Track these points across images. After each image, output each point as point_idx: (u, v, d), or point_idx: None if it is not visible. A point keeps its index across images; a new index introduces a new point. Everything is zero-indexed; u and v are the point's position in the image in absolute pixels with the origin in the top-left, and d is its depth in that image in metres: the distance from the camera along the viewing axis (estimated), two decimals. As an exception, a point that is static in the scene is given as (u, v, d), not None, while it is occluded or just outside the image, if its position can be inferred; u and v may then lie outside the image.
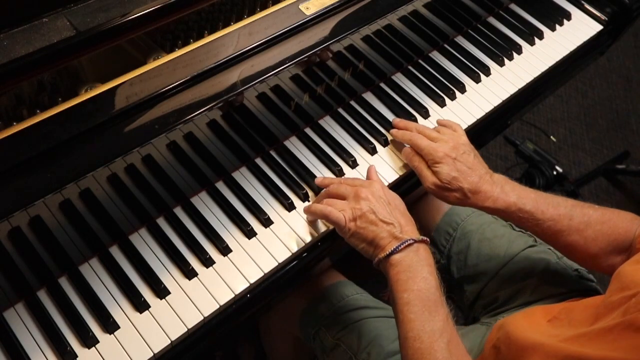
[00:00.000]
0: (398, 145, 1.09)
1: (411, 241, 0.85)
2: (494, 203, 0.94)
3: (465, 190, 0.95)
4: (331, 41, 0.95)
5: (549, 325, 0.88)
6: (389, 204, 0.90)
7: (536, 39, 1.33)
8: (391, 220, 0.87)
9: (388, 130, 1.10)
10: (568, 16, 1.39)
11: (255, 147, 1.02)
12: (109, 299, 0.85)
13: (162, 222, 0.93)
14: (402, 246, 0.84)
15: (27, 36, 0.76)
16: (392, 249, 0.84)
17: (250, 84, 0.88)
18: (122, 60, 0.87)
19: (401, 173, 1.06)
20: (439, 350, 0.77)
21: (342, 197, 0.92)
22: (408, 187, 1.07)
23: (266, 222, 0.96)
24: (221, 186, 0.98)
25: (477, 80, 1.23)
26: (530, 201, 0.94)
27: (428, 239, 0.87)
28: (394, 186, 1.05)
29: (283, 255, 0.93)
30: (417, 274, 0.83)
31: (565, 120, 2.46)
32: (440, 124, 1.08)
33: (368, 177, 1.00)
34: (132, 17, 0.81)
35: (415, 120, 1.12)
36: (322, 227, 0.96)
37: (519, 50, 1.30)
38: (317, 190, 1.01)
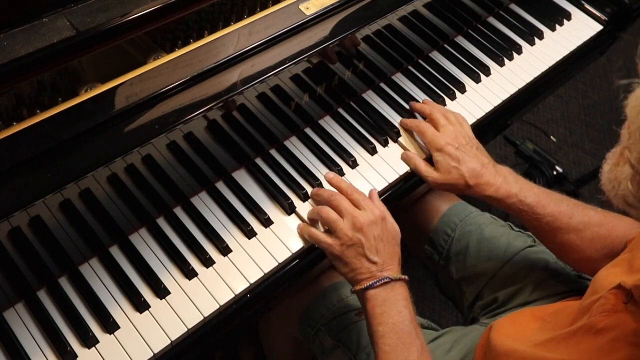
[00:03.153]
0: (397, 147, 1.09)
1: (387, 279, 0.86)
2: (495, 192, 0.95)
3: (467, 177, 0.96)
4: (331, 41, 0.95)
5: (536, 330, 0.89)
6: (382, 240, 0.89)
7: (536, 39, 1.33)
8: (375, 260, 0.88)
9: (388, 130, 1.10)
10: (568, 16, 1.38)
11: (255, 147, 1.02)
12: (109, 299, 0.85)
13: (162, 222, 0.93)
14: (377, 283, 0.86)
15: (27, 36, 0.76)
16: (368, 284, 0.86)
17: (250, 84, 0.88)
18: (122, 60, 0.87)
19: (401, 173, 1.06)
20: None
21: (341, 214, 0.91)
22: (408, 187, 1.07)
23: (266, 222, 0.96)
24: (221, 186, 0.98)
25: (477, 80, 1.23)
26: (532, 194, 0.95)
27: (406, 277, 0.89)
28: (394, 186, 1.05)
29: (283, 255, 0.93)
30: (391, 308, 0.85)
31: (565, 120, 2.46)
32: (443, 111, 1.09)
33: (370, 197, 0.96)
34: (132, 17, 0.81)
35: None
36: (323, 228, 0.96)
37: (519, 50, 1.30)
38: (317, 190, 1.01)
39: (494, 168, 0.98)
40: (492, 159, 1.02)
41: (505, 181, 0.96)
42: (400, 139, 1.09)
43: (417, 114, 1.12)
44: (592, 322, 0.70)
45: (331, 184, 0.99)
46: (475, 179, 0.96)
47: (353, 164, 1.05)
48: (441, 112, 1.06)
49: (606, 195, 0.65)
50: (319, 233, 0.92)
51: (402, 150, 1.08)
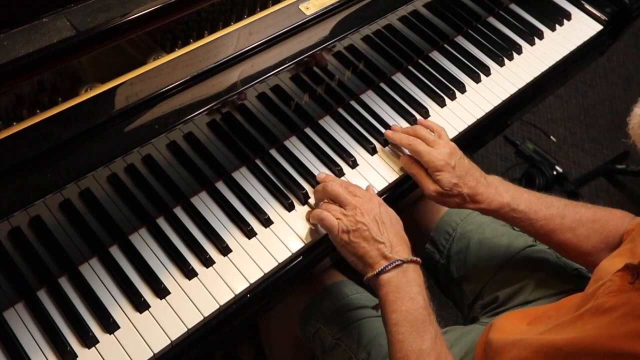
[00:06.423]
0: (398, 146, 1.09)
1: (399, 262, 0.85)
2: (488, 205, 0.96)
3: (465, 194, 0.97)
4: (331, 41, 0.96)
5: (536, 322, 0.90)
6: (384, 222, 0.90)
7: (536, 39, 1.33)
8: (382, 240, 0.87)
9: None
10: (568, 16, 1.39)
11: (255, 147, 1.02)
12: (109, 299, 0.85)
13: (162, 222, 0.93)
14: (390, 266, 0.85)
15: (27, 36, 0.76)
16: (381, 268, 0.85)
17: (250, 84, 0.88)
18: (122, 60, 0.87)
19: (401, 173, 1.06)
20: None
21: (340, 203, 0.92)
22: (408, 187, 1.07)
23: (266, 222, 0.96)
24: (221, 186, 0.98)
25: (477, 80, 1.23)
26: (523, 201, 0.96)
27: (419, 259, 0.88)
28: (394, 187, 1.05)
29: (283, 255, 0.93)
30: (405, 295, 0.84)
31: (565, 120, 2.46)
32: (426, 126, 1.08)
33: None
34: (132, 17, 0.81)
35: (415, 121, 1.12)
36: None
37: (519, 50, 1.30)
38: (317, 190, 1.01)
39: (485, 180, 0.98)
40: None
41: (496, 192, 0.97)
42: (388, 147, 1.08)
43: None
44: (598, 303, 0.71)
45: (324, 181, 0.98)
46: (472, 195, 0.97)
47: (353, 164, 1.05)
48: (425, 126, 1.05)
49: (632, 139, 0.66)
50: (327, 213, 0.91)
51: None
